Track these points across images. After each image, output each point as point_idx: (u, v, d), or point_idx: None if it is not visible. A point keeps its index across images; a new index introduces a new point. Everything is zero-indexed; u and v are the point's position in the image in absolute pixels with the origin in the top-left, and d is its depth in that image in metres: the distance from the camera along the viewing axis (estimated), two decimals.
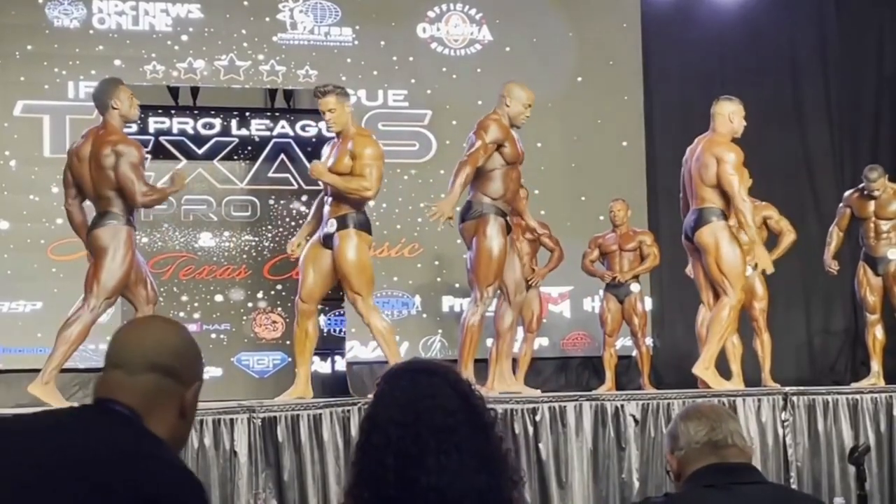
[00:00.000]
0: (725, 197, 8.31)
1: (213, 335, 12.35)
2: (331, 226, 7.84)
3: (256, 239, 12.65)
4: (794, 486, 7.77)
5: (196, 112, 12.39)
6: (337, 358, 12.46)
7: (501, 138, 8.01)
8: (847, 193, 10.39)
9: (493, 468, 2.46)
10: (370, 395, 2.62)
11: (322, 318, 12.46)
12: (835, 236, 10.29)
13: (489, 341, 10.61)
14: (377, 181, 7.73)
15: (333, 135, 8.13)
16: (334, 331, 12.56)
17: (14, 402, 10.79)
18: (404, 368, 2.60)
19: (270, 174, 12.65)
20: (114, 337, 2.48)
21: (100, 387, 2.40)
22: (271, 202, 12.70)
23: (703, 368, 8.36)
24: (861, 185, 10.10)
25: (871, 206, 9.99)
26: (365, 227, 7.84)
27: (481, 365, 10.29)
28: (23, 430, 2.35)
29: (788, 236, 10.56)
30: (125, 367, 2.38)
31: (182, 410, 2.43)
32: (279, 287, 12.55)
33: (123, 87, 7.76)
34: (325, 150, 8.13)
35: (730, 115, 8.44)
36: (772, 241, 10.70)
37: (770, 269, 8.46)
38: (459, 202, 8.12)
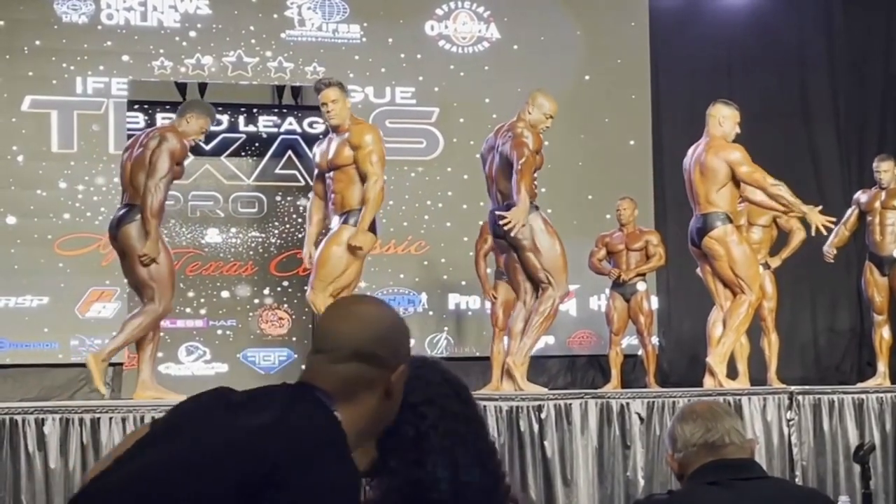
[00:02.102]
0: (729, 199, 8.34)
1: (219, 331, 12.36)
2: (334, 223, 7.90)
3: (263, 235, 12.66)
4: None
5: None
6: None
7: (539, 146, 8.08)
8: (856, 194, 10.40)
9: (487, 431, 2.73)
10: None
11: None
12: (839, 233, 10.28)
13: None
14: (380, 168, 7.75)
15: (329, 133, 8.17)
16: None
17: (21, 396, 10.83)
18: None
19: (277, 171, 12.66)
20: (320, 320, 2.49)
21: (304, 370, 2.40)
22: (278, 199, 12.71)
23: (719, 361, 8.38)
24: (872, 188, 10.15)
25: (878, 200, 9.99)
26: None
27: (485, 364, 10.31)
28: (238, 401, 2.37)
29: (798, 234, 10.55)
30: (328, 353, 2.37)
31: (387, 392, 2.38)
32: (285, 283, 12.55)
33: (206, 118, 8.05)
34: (317, 151, 8.11)
35: (720, 118, 8.44)
36: (781, 240, 10.71)
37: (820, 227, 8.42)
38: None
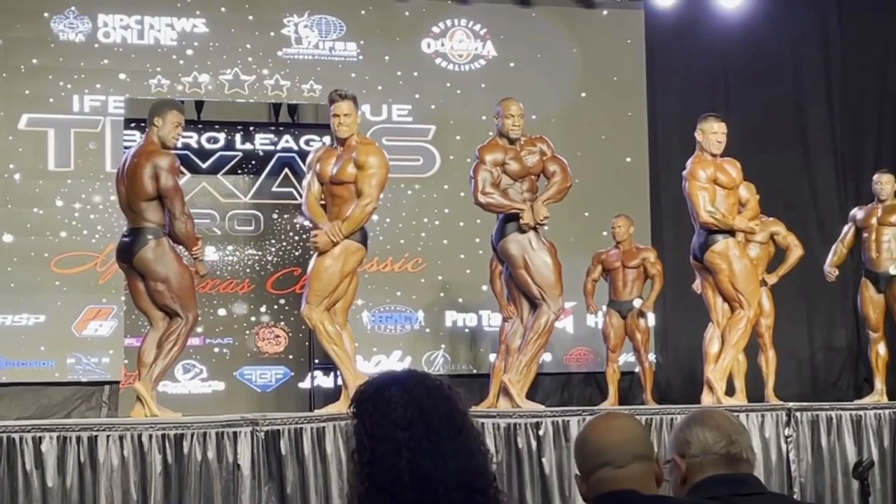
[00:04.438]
0: (727, 212, 8.42)
1: (216, 349, 12.35)
2: None
3: (260, 253, 12.67)
4: None
5: (200, 126, 12.42)
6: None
7: (501, 159, 8.18)
8: (853, 211, 10.42)
9: (481, 444, 2.63)
10: (353, 419, 2.65)
11: None
12: (837, 251, 10.31)
13: (492, 356, 10.65)
14: (377, 192, 7.76)
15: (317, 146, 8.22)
16: None
17: (17, 414, 10.80)
18: (387, 379, 2.67)
19: (274, 188, 12.67)
20: (587, 440, 2.90)
21: (599, 484, 2.81)
22: (275, 216, 12.72)
23: (720, 377, 8.40)
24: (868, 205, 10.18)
25: (875, 216, 10.00)
26: (354, 237, 7.78)
27: (482, 381, 10.31)
28: None
29: (795, 252, 10.58)
30: (613, 462, 2.81)
31: (658, 480, 2.89)
32: (282, 301, 12.56)
33: (174, 111, 7.93)
34: (317, 160, 7.96)
35: (700, 132, 8.58)
36: (778, 256, 10.71)
37: None
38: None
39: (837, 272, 10.34)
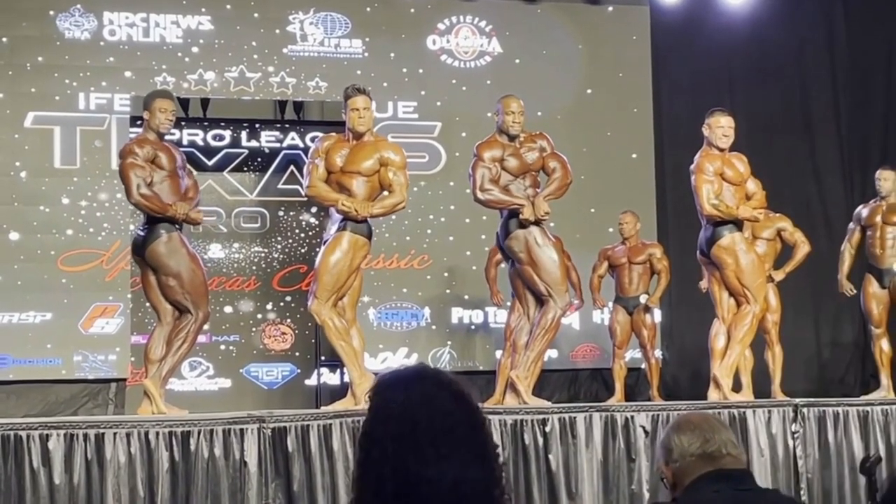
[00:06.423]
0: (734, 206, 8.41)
1: (223, 346, 12.36)
2: (332, 228, 7.92)
3: (266, 250, 12.67)
4: (804, 498, 7.78)
5: (206, 123, 12.43)
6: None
7: (499, 156, 8.19)
8: (857, 209, 10.37)
9: (487, 465, 2.49)
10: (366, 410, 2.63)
11: None
12: (847, 255, 10.23)
13: (498, 353, 10.65)
14: (406, 193, 7.89)
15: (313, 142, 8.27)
16: None
17: (24, 412, 10.82)
18: (394, 379, 2.61)
19: (280, 186, 12.68)
20: None
21: None
22: (281, 214, 12.72)
23: (726, 374, 8.39)
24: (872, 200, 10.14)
25: (879, 213, 9.97)
26: (361, 231, 7.79)
27: (488, 377, 10.31)
28: None
29: (802, 248, 10.55)
30: None
31: None
32: (288, 298, 12.56)
33: (159, 99, 8.05)
34: (324, 151, 7.87)
35: (707, 126, 8.55)
36: (785, 253, 10.69)
37: None
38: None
39: (853, 287, 10.27)
